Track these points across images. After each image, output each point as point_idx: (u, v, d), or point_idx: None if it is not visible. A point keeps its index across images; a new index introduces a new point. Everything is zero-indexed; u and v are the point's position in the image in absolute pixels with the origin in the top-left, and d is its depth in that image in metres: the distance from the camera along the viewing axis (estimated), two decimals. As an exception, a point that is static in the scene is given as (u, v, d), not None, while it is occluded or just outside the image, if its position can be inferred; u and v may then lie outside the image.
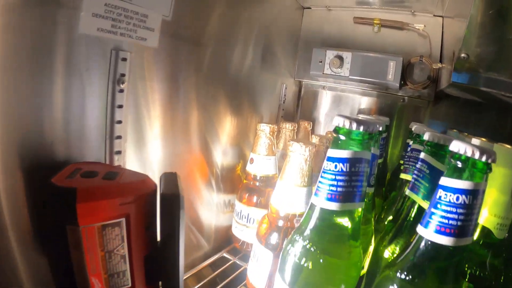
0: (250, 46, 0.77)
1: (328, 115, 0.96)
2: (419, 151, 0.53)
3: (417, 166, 0.47)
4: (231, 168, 0.77)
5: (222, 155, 0.73)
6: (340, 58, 0.83)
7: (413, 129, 0.65)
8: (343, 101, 0.94)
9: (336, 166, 0.33)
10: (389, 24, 0.86)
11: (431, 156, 0.45)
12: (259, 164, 0.71)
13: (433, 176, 0.45)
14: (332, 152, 0.34)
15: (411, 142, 0.64)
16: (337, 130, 0.34)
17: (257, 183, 0.72)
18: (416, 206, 0.46)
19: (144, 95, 0.52)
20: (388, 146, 0.88)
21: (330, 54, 0.84)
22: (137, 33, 0.46)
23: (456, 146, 0.30)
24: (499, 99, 0.69)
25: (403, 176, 0.59)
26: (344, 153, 0.33)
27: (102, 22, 0.41)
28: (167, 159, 0.59)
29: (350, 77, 0.82)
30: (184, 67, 0.58)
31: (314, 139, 0.67)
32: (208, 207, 0.73)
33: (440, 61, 0.85)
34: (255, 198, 0.72)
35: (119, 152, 0.47)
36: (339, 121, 0.33)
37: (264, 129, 0.70)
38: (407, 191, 0.48)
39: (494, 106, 0.79)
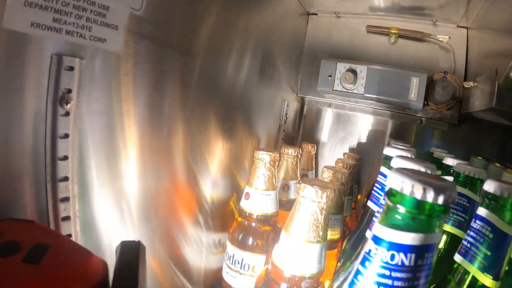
0: (247, 56, 0.65)
1: (334, 137, 0.83)
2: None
3: (473, 226, 0.35)
4: (223, 202, 0.64)
5: (212, 187, 0.61)
6: (354, 72, 0.71)
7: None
8: (351, 121, 0.82)
9: (393, 257, 0.20)
10: (408, 34, 0.75)
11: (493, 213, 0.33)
12: (256, 200, 0.58)
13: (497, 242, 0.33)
14: (387, 234, 0.21)
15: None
16: (398, 199, 0.21)
17: (253, 223, 0.59)
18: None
19: (109, 118, 0.39)
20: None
21: (342, 67, 0.72)
22: (93, 31, 0.33)
23: None
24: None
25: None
26: (409, 238, 0.20)
27: (39, 14, 0.28)
28: (146, 195, 0.46)
29: (365, 95, 0.70)
30: (165, 81, 0.46)
31: (327, 174, 0.55)
32: (196, 248, 0.60)
33: (465, 79, 0.73)
34: (250, 241, 0.59)
35: (66, 199, 0.34)
36: (403, 184, 0.21)
37: (264, 158, 0.57)
38: (457, 258, 0.36)
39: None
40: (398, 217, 0.21)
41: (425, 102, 0.71)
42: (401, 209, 0.21)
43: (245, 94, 0.66)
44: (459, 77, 0.72)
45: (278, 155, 0.59)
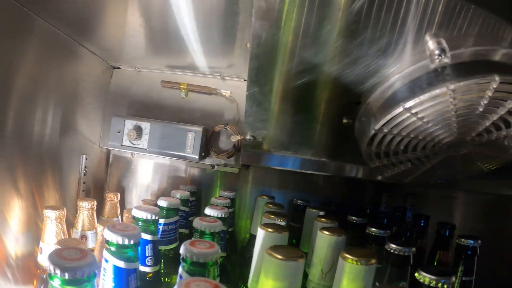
0: (50, 111, 0.68)
1: (140, 184, 0.89)
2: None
3: None
4: (27, 257, 0.66)
5: (14, 243, 0.63)
6: (139, 129, 0.77)
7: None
8: (154, 168, 0.89)
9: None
10: (197, 89, 0.84)
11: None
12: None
13: None
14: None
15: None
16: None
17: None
18: None
19: None
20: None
21: (129, 124, 0.78)
22: None
23: None
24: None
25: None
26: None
27: None
28: None
29: (148, 149, 0.77)
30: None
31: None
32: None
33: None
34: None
35: None
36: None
37: (50, 215, 0.60)
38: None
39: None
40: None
41: (204, 154, 0.80)
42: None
43: (50, 148, 0.69)
44: (242, 127, 0.82)
45: (64, 212, 0.63)
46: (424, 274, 0.42)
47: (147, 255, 0.50)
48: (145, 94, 0.86)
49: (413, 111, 0.42)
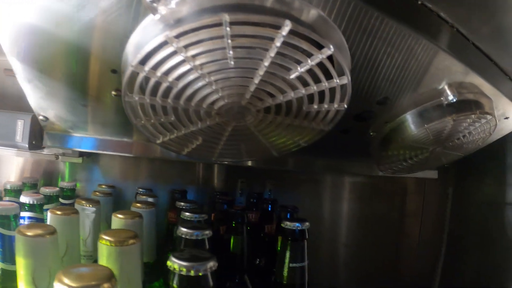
0: None
1: None
2: None
3: None
4: None
5: None
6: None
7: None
8: (2, 162, 0.80)
9: None
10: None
11: None
12: None
13: None
14: None
15: None
16: None
17: None
18: None
19: None
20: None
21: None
22: None
23: None
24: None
25: None
26: None
27: None
28: None
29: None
30: None
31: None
32: None
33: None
34: None
35: None
36: None
37: None
38: None
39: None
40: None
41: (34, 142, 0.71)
42: None
43: None
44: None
45: None
46: (175, 260, 0.36)
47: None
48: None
49: (181, 44, 0.34)
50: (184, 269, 0.35)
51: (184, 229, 0.47)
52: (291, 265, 0.55)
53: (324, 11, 0.36)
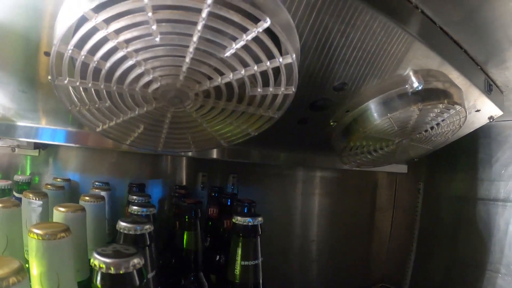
0: None
1: None
2: None
3: None
4: None
5: None
6: None
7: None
8: None
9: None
10: None
11: None
12: None
13: None
14: None
15: None
16: None
17: None
18: None
19: None
20: None
21: None
22: None
23: None
24: None
25: None
26: None
27: None
28: None
29: None
30: None
31: None
32: None
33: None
34: None
35: None
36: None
37: None
38: None
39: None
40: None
41: None
42: None
43: None
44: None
45: None
46: (96, 256, 0.32)
47: None
48: None
49: (100, 19, 0.30)
50: (104, 266, 0.31)
51: (122, 223, 0.43)
52: (242, 263, 0.51)
53: (264, -18, 0.32)
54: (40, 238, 0.34)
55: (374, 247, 0.99)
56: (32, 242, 0.34)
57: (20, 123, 0.60)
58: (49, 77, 0.45)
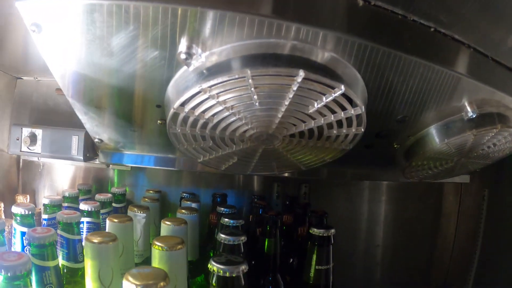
0: None
1: (46, 186, 0.94)
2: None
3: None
4: None
5: None
6: (33, 136, 0.80)
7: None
8: (59, 171, 0.94)
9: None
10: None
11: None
12: None
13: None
14: None
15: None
16: None
17: None
18: None
19: None
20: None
21: (26, 131, 0.81)
22: None
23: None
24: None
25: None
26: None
27: None
28: None
29: (42, 153, 0.81)
30: None
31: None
32: None
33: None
34: None
35: None
36: None
37: None
38: None
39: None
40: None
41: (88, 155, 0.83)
42: None
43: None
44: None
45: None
46: (214, 263, 0.44)
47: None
48: (43, 101, 0.90)
49: (213, 92, 0.42)
50: (221, 271, 0.43)
51: (222, 235, 0.55)
52: (317, 267, 0.61)
53: (337, 53, 0.41)
54: (164, 250, 0.46)
55: (438, 253, 1.03)
56: (156, 253, 0.46)
57: (125, 152, 0.75)
58: (159, 122, 0.58)
